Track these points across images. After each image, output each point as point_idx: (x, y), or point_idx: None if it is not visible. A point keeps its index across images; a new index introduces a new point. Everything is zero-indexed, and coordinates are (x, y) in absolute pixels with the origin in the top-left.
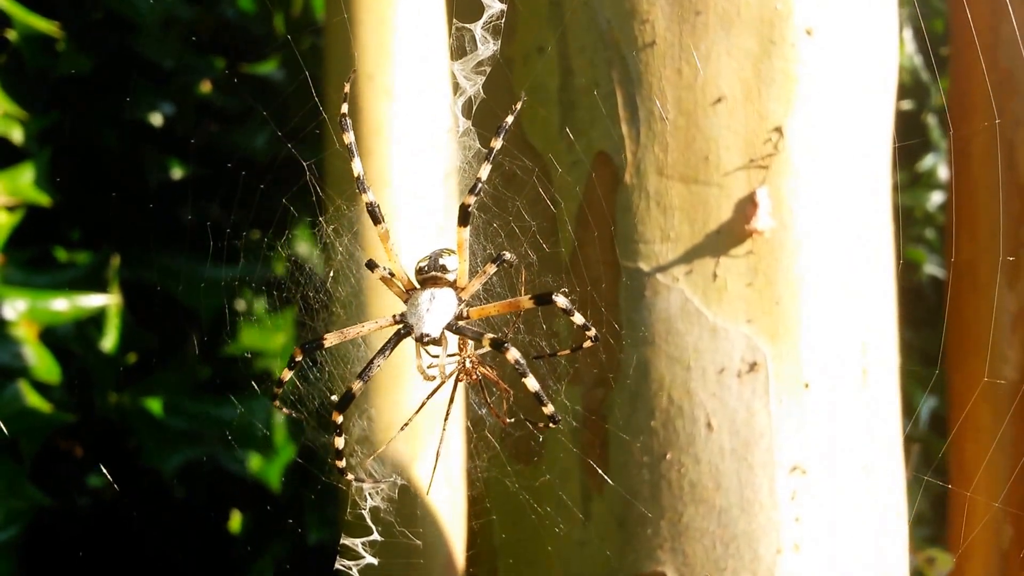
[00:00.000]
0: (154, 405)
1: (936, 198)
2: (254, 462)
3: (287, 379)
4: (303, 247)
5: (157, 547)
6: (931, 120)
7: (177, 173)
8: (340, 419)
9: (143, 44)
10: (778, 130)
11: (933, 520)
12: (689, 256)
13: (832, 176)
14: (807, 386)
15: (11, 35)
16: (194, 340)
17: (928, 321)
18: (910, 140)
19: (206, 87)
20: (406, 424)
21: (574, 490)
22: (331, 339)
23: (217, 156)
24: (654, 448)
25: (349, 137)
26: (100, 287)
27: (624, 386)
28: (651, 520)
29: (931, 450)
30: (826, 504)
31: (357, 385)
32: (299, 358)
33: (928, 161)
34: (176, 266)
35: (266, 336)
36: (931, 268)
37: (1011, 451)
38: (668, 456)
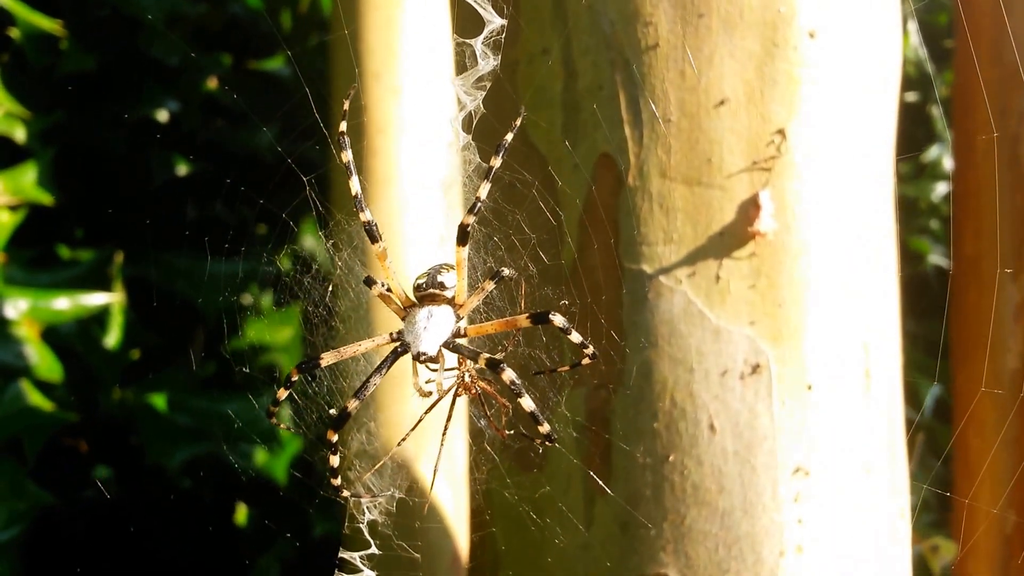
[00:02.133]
0: (158, 401)
1: (941, 188)
2: (260, 457)
3: (283, 398)
4: (308, 249)
5: (162, 543)
6: (936, 111)
7: (182, 170)
8: (335, 438)
9: (148, 42)
10: (781, 132)
11: (937, 508)
12: (692, 258)
13: (835, 177)
14: (810, 388)
15: (14, 33)
16: (198, 336)
17: (933, 312)
18: (915, 132)
19: (212, 84)
20: (403, 439)
21: (577, 494)
22: (328, 358)
23: (222, 153)
24: (657, 450)
25: (347, 155)
26: (103, 285)
27: (627, 388)
28: (654, 523)
29: (936, 439)
30: (829, 506)
31: (353, 404)
32: (295, 378)
33: (933, 152)
34: (179, 263)
35: (271, 331)
36: (936, 258)
37: (1015, 439)
38: (671, 458)
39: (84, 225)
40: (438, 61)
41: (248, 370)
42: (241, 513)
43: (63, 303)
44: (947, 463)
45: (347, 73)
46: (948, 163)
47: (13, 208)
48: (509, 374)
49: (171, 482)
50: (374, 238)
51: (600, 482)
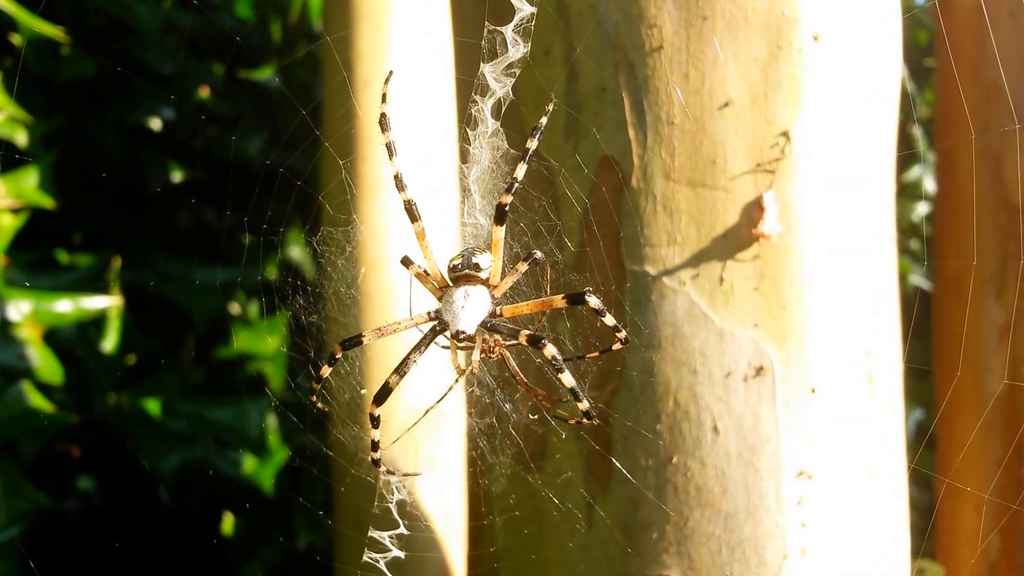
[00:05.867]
0: (152, 406)
1: (922, 209)
2: (248, 464)
3: (326, 375)
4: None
5: (152, 547)
6: (917, 131)
7: (177, 177)
8: (377, 412)
9: (144, 50)
10: (785, 134)
11: (922, 533)
12: (696, 260)
13: (838, 179)
14: (813, 391)
15: (16, 39)
16: (189, 342)
17: (914, 333)
18: (897, 151)
19: (205, 92)
20: (429, 409)
21: (578, 494)
22: (369, 336)
23: (216, 160)
24: (660, 452)
25: (387, 136)
26: (101, 289)
27: (630, 389)
28: (657, 524)
29: (919, 462)
30: (832, 510)
31: (394, 379)
32: (339, 355)
33: (914, 172)
34: (175, 269)
35: (259, 339)
36: (916, 279)
37: (997, 461)
38: (674, 460)
39: (83, 229)
40: (432, 67)
41: (237, 377)
42: (228, 520)
43: (64, 306)
44: (930, 486)
45: (337, 82)
46: (929, 183)
47: (15, 211)
48: (551, 350)
49: (164, 487)
50: (414, 217)
51: (602, 483)
